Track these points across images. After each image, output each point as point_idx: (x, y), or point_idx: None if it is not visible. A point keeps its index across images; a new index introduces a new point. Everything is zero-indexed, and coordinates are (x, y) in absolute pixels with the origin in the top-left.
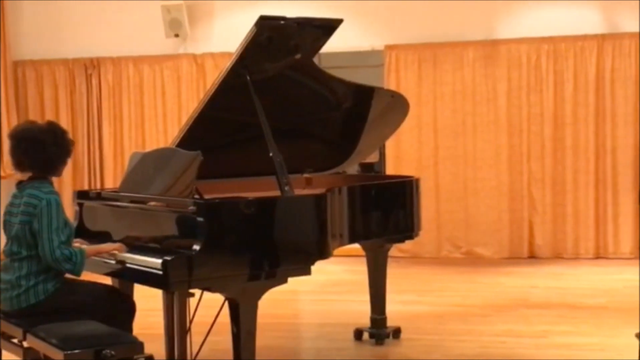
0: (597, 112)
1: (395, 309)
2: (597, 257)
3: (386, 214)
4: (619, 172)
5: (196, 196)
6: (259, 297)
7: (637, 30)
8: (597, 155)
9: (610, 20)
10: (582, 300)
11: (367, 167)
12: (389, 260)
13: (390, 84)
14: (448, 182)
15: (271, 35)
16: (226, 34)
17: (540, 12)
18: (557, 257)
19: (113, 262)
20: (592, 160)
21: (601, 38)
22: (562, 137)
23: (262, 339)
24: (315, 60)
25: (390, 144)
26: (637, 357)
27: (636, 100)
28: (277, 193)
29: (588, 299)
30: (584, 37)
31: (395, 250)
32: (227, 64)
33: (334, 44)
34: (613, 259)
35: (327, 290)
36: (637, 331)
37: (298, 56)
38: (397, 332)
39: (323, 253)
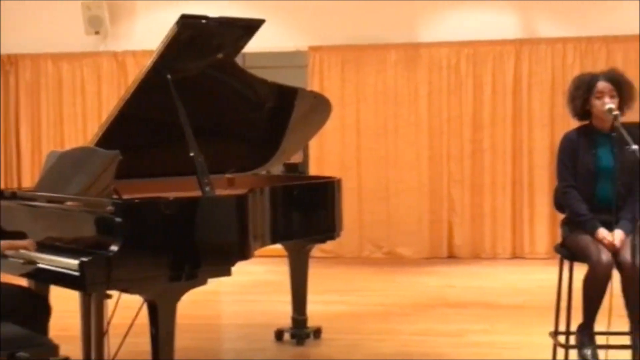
0: (515, 115)
1: (316, 309)
2: (514, 257)
3: (308, 215)
4: (535, 174)
5: (115, 196)
6: (178, 299)
7: (553, 35)
8: (514, 158)
9: (527, 25)
10: (499, 299)
11: (291, 168)
12: (311, 261)
13: (314, 85)
14: (370, 183)
15: (192, 34)
16: (148, 32)
17: (461, 17)
18: (476, 257)
19: (21, 262)
20: (509, 162)
21: (519, 43)
22: (480, 140)
23: (182, 340)
24: (239, 60)
25: (313, 145)
26: (550, 356)
27: (551, 104)
28: (198, 193)
29: (505, 298)
30: (503, 42)
31: (317, 250)
32: (148, 62)
33: (258, 44)
34: (529, 258)
35: (248, 291)
36: (552, 330)
37: (220, 56)
38: (317, 332)
39: (244, 254)
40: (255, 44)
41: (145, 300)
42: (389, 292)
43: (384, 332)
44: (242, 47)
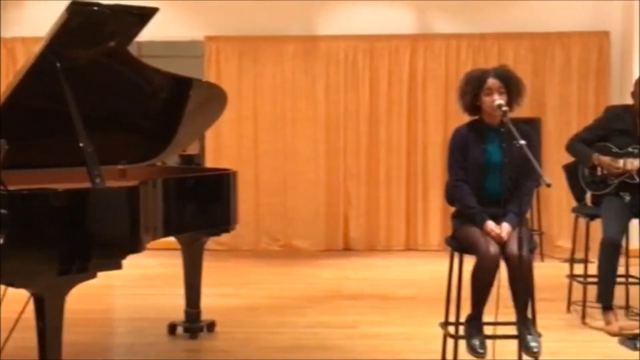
0: (410, 110)
1: (211, 303)
2: (408, 249)
3: (202, 207)
4: (429, 168)
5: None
6: (66, 293)
7: (448, 32)
8: (408, 152)
9: (423, 21)
10: (392, 290)
11: (187, 159)
12: (207, 254)
13: (210, 76)
14: (267, 176)
15: (83, 21)
16: (38, 18)
17: (358, 11)
18: (371, 249)
19: None
20: (404, 156)
21: (414, 38)
22: (376, 134)
23: (72, 335)
24: (134, 49)
25: (210, 137)
26: (440, 346)
27: (445, 99)
28: (88, 185)
29: (398, 290)
30: (399, 37)
31: (213, 243)
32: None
33: (153, 33)
34: (422, 250)
35: (141, 285)
36: (442, 321)
37: (112, 44)
38: (211, 326)
39: (135, 247)
40: (151, 33)
41: (32, 294)
42: (284, 284)
43: (279, 325)
44: (135, 35)
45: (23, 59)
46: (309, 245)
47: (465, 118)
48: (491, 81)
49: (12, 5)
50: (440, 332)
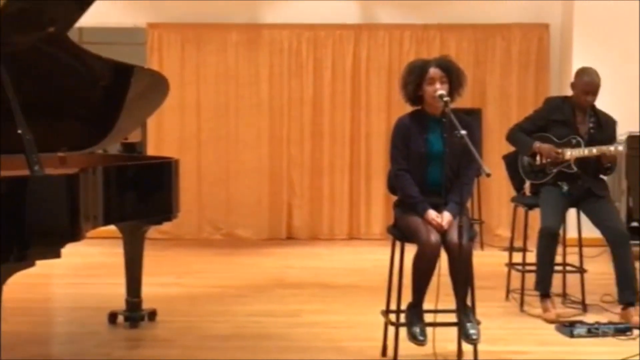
0: (353, 100)
1: (152, 292)
2: (351, 238)
3: (143, 196)
4: (372, 158)
5: None
6: (4, 281)
7: (391, 22)
8: (352, 141)
9: (366, 11)
10: (335, 279)
11: (129, 147)
12: (148, 242)
13: (153, 63)
14: (210, 164)
15: (22, 6)
16: None
17: (302, 0)
18: (314, 238)
19: None
20: (348, 145)
21: (358, 28)
22: (320, 123)
23: (10, 325)
24: (76, 35)
25: (152, 125)
26: (382, 334)
27: (389, 89)
28: (27, 172)
29: (341, 278)
30: (342, 26)
31: (154, 232)
32: None
33: (95, 20)
34: (365, 239)
35: (81, 274)
36: (384, 309)
37: (51, 30)
38: (152, 315)
39: (74, 235)
40: (93, 20)
41: None
42: (226, 273)
43: (220, 314)
44: (74, 21)
45: None
46: (251, 234)
47: (408, 108)
48: (433, 71)
49: None
50: (381, 320)
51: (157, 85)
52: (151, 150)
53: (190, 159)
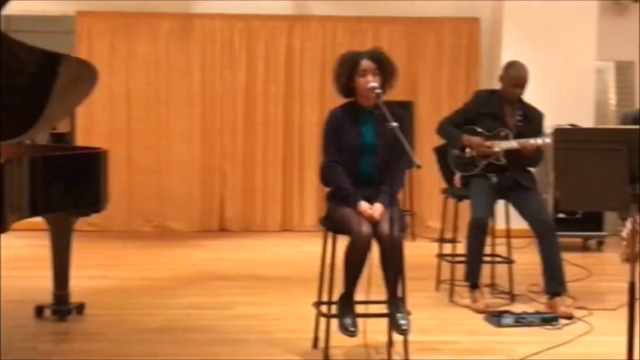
0: (287, 91)
1: (80, 284)
2: (284, 230)
3: (71, 187)
4: (305, 149)
5: None
6: None
7: (325, 14)
8: (285, 133)
9: (299, 2)
10: (267, 271)
11: (57, 137)
12: (77, 234)
13: (82, 52)
14: (141, 155)
15: None
16: None
17: None
18: (247, 230)
19: None
20: (281, 137)
21: (291, 19)
22: (253, 114)
23: None
24: (3, 23)
25: (81, 115)
26: (313, 325)
27: (322, 81)
28: None
29: (273, 270)
30: (275, 17)
31: (83, 223)
32: None
33: (23, 7)
34: (298, 231)
35: (7, 266)
36: (316, 300)
37: None
38: (80, 308)
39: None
40: (21, 7)
41: None
42: (157, 266)
43: (150, 307)
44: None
45: None
46: (183, 226)
47: (342, 100)
48: (365, 63)
49: None
50: (313, 311)
51: (86, 75)
52: (80, 141)
53: (120, 150)
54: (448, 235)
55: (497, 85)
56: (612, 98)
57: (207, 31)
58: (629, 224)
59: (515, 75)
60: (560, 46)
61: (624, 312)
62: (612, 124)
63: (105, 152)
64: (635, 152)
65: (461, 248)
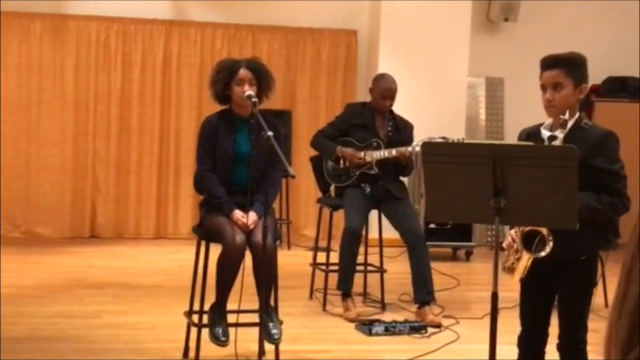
0: (163, 96)
1: None
2: (157, 237)
3: None
4: (181, 156)
5: None
6: None
7: (203, 20)
8: (161, 138)
9: (178, 7)
10: (139, 279)
11: None
12: None
13: None
14: (9, 159)
15: None
16: None
17: None
18: (119, 236)
19: None
20: (156, 142)
21: (169, 24)
22: (128, 118)
23: None
24: None
25: None
26: (184, 335)
27: (200, 87)
28: None
29: (145, 279)
30: (153, 21)
31: None
32: None
33: None
34: (172, 239)
35: None
36: (187, 309)
37: None
38: None
39: None
40: None
41: None
42: (23, 273)
43: (15, 316)
44: None
45: None
46: (52, 232)
47: (219, 106)
48: (242, 72)
49: None
50: (184, 320)
51: None
52: None
53: None
54: (323, 244)
55: None
56: (482, 112)
57: (82, 33)
58: (509, 236)
59: (385, 87)
60: (434, 61)
61: (489, 321)
62: (482, 138)
63: None
64: (499, 167)
65: (335, 257)
